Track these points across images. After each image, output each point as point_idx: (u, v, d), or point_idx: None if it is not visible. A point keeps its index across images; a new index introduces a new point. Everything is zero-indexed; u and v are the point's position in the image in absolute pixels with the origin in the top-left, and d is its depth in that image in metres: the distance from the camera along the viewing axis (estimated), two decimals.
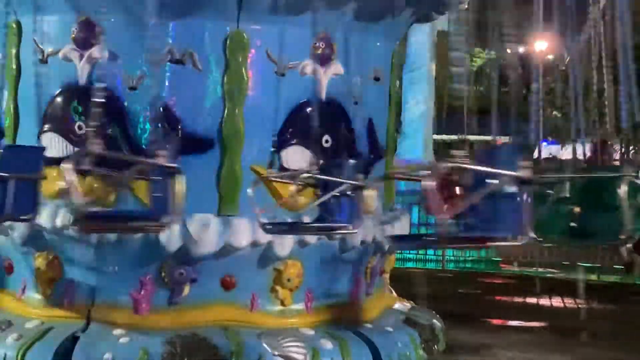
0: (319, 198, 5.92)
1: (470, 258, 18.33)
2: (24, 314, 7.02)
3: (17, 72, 7.19)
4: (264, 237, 6.77)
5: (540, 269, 16.32)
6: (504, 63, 9.56)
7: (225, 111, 6.84)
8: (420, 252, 18.43)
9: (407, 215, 8.06)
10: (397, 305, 8.02)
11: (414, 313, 7.92)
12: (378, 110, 7.61)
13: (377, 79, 7.54)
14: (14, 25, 7.21)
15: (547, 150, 19.60)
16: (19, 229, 6.90)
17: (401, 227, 7.58)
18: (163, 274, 6.79)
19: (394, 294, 8.33)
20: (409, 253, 18.30)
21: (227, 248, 6.72)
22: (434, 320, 7.93)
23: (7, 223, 6.90)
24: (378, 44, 7.50)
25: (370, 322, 7.42)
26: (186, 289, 6.81)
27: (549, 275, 15.83)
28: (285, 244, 6.86)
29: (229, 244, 6.71)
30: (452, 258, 18.26)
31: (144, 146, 6.78)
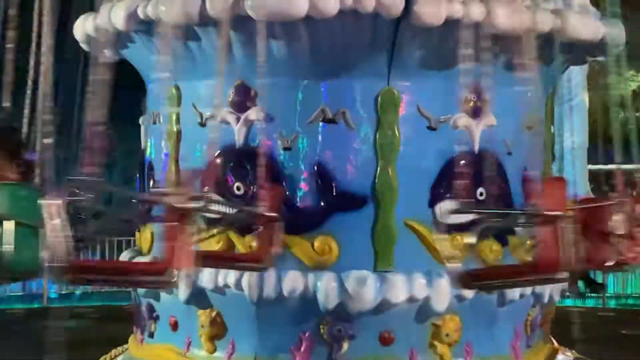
0: None
1: (634, 294, 17.70)
2: None
3: (177, 136, 7.48)
4: (421, 293, 6.78)
5: None
6: None
7: (378, 167, 6.91)
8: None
9: None
10: (559, 357, 7.84)
11: None
12: (533, 160, 7.48)
13: (530, 128, 7.42)
14: (174, 90, 7.50)
15: None
16: (182, 287, 7.14)
17: None
18: (322, 331, 6.87)
19: (556, 344, 8.14)
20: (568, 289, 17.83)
21: (384, 304, 6.75)
22: None
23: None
24: (530, 93, 7.39)
25: None
26: (345, 346, 6.87)
27: None
28: (442, 299, 6.84)
29: (386, 300, 6.75)
30: (612, 294, 17.69)
31: (299, 204, 6.95)
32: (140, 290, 7.60)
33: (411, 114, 6.94)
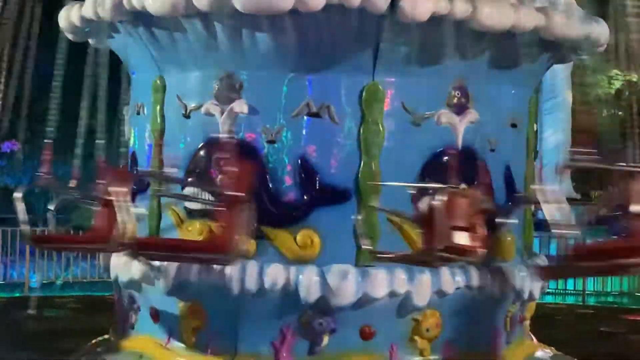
0: None
1: (613, 292, 17.78)
2: None
3: (161, 127, 7.46)
4: (402, 287, 6.81)
5: None
6: None
7: (362, 162, 6.92)
8: (559, 285, 18.03)
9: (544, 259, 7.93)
10: (538, 353, 7.88)
11: None
12: (515, 157, 7.53)
13: (514, 126, 7.48)
14: (158, 82, 7.48)
15: None
16: (165, 278, 7.13)
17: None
18: (303, 325, 6.89)
19: (535, 340, 8.18)
20: (548, 286, 17.87)
21: (365, 298, 6.77)
22: None
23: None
24: (514, 90, 7.45)
25: None
26: (325, 339, 6.89)
27: None
28: (423, 294, 6.87)
29: (367, 294, 6.77)
30: (592, 292, 17.77)
31: (282, 198, 6.95)
32: (122, 281, 7.58)
33: (395, 110, 6.95)
